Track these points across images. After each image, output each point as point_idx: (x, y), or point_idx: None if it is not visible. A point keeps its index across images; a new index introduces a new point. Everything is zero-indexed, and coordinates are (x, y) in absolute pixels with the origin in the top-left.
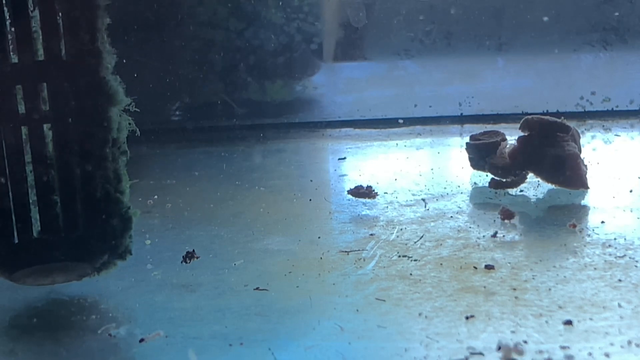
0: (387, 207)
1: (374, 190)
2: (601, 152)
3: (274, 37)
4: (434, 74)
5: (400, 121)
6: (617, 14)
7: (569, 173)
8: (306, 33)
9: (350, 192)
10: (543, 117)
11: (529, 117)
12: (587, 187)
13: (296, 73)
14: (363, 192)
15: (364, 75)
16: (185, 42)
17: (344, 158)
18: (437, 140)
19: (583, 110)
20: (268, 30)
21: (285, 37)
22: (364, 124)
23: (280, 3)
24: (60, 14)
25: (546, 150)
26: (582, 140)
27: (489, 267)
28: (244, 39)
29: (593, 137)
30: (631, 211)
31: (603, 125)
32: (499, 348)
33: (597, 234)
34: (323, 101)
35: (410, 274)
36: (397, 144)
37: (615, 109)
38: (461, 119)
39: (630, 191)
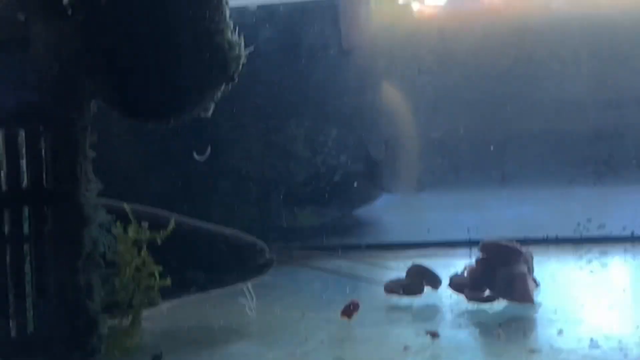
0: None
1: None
2: (598, 275)
3: (302, 170)
4: (444, 202)
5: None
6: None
7: (518, 290)
8: (330, 165)
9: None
10: (498, 241)
11: (485, 240)
12: (533, 302)
13: (327, 201)
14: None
15: (381, 204)
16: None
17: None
18: (445, 262)
19: (580, 235)
20: (297, 163)
21: (313, 169)
22: (383, 247)
23: (307, 139)
24: (44, 149)
25: (499, 270)
26: (580, 264)
27: None
28: (276, 171)
29: (590, 261)
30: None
31: (599, 250)
32: None
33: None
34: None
35: None
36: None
37: (609, 234)
38: (469, 243)
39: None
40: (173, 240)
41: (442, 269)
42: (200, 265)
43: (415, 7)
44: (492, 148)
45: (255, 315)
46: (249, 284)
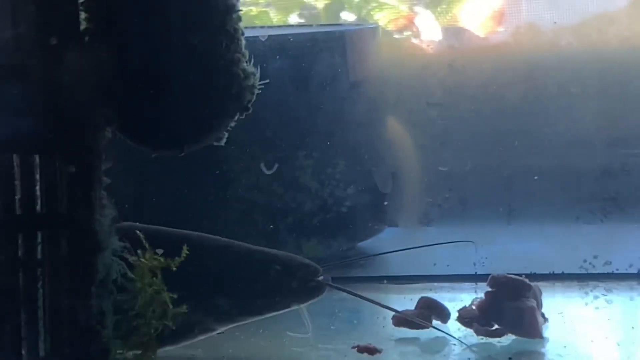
0: None
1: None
2: (605, 311)
3: (309, 201)
4: (451, 236)
5: None
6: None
7: (526, 324)
8: (338, 197)
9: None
10: (508, 275)
11: (495, 275)
12: (542, 337)
13: (333, 233)
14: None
15: (387, 237)
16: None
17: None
18: (450, 295)
19: (586, 272)
20: (304, 194)
21: (320, 201)
22: (389, 280)
23: (315, 170)
24: (58, 175)
25: (508, 304)
26: (586, 300)
27: None
28: (283, 202)
29: (596, 297)
30: None
31: (604, 287)
32: None
33: None
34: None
35: None
36: (411, 298)
37: (615, 271)
38: (475, 277)
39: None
40: (228, 263)
41: (448, 302)
42: (256, 288)
43: (424, 41)
44: (535, 178)
45: (265, 345)
46: (305, 310)
